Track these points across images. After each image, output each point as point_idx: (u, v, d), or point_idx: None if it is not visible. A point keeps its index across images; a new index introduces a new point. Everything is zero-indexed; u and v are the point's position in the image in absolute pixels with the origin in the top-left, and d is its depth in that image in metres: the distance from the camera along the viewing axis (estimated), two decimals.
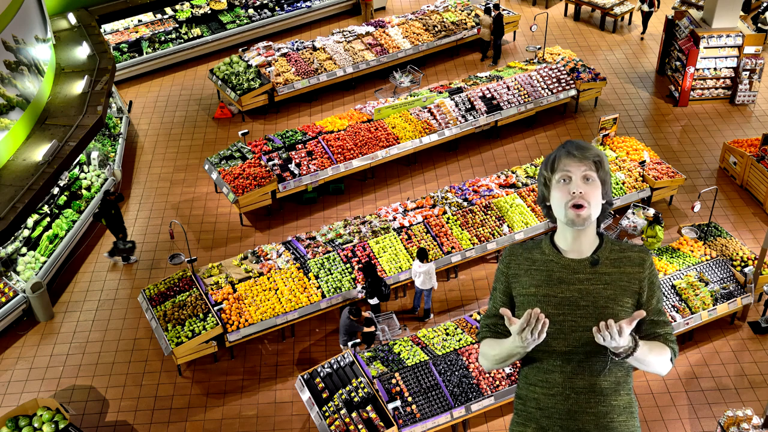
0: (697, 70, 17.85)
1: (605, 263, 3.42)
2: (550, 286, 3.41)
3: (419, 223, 13.75)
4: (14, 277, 12.95)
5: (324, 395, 10.83)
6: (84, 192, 14.96)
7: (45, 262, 13.45)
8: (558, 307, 3.37)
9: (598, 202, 3.37)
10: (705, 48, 17.56)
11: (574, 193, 3.32)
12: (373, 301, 12.47)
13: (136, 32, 19.89)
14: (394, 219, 13.93)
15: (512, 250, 3.60)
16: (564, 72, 17.60)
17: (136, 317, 13.16)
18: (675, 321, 11.89)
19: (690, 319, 12.01)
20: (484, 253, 13.76)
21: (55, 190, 14.37)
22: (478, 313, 12.29)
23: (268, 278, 12.72)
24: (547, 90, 17.25)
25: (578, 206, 3.32)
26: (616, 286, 3.38)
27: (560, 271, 3.43)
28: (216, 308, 12.13)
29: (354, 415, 10.38)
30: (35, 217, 13.75)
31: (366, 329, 11.87)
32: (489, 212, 13.97)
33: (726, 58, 17.76)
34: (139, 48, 19.66)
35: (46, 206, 14.09)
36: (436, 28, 19.73)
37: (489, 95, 16.93)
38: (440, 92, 17.22)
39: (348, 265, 12.97)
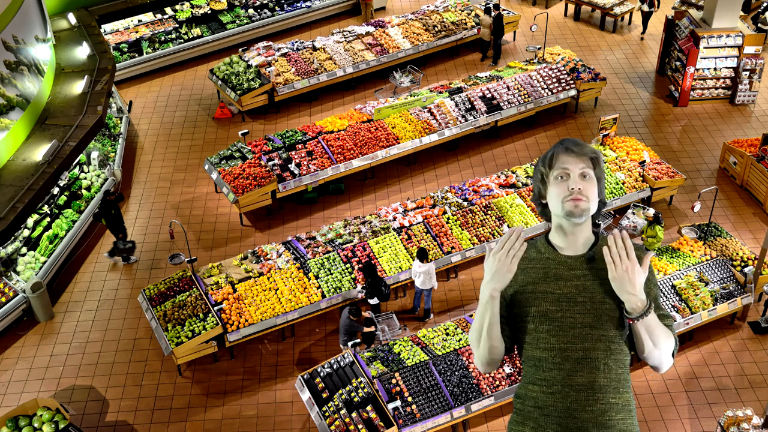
0: (697, 70, 17.86)
1: (601, 259, 3.43)
2: (546, 283, 3.42)
3: (419, 223, 13.75)
4: (14, 277, 12.95)
5: (324, 395, 10.83)
6: (84, 192, 14.96)
7: (45, 262, 13.45)
8: (555, 304, 3.38)
9: (595, 197, 3.40)
10: (705, 48, 17.56)
11: (572, 189, 3.34)
12: (373, 301, 12.47)
13: (136, 32, 19.89)
14: (394, 219, 13.93)
15: None
16: (564, 72, 17.60)
17: (136, 317, 13.16)
18: (675, 321, 11.90)
19: (690, 319, 12.01)
20: (484, 253, 13.73)
21: (55, 190, 14.37)
22: None
23: (268, 278, 12.72)
24: (547, 90, 17.25)
25: (577, 199, 3.35)
26: None
27: (557, 267, 3.44)
28: (216, 308, 12.13)
29: (354, 415, 10.38)
30: (35, 217, 13.75)
31: (366, 329, 11.87)
32: (489, 212, 13.97)
33: (726, 58, 17.77)
34: (139, 48, 19.66)
35: (46, 206, 14.09)
36: (436, 28, 19.73)
37: (489, 95, 16.93)
38: (440, 92, 17.22)
39: (348, 265, 12.97)
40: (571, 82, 17.47)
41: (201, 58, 20.43)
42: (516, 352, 3.66)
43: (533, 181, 3.58)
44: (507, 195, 14.35)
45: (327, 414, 10.53)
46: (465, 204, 14.21)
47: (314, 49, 18.96)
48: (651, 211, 13.87)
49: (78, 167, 15.26)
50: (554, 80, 17.42)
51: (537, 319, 3.40)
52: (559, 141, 3.47)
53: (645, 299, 3.20)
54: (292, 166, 15.04)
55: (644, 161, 15.25)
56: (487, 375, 11.03)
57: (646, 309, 3.21)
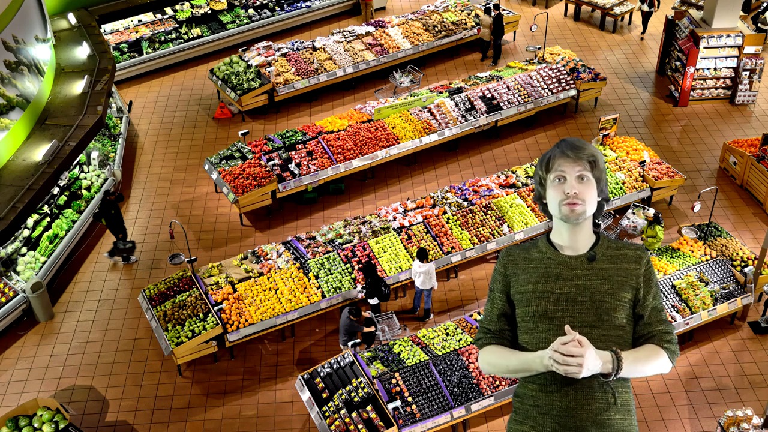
0: (697, 70, 17.86)
1: (602, 259, 3.45)
2: (547, 283, 3.43)
3: (419, 223, 13.75)
4: (14, 277, 12.95)
5: (324, 395, 10.83)
6: (84, 192, 14.96)
7: (45, 262, 13.45)
8: (556, 303, 3.39)
9: (593, 199, 3.41)
10: (705, 48, 17.56)
11: (568, 193, 3.36)
12: (373, 301, 12.47)
13: (136, 32, 19.89)
14: (394, 219, 13.93)
15: (509, 250, 3.62)
16: (564, 72, 17.60)
17: (136, 317, 13.16)
18: (675, 321, 11.89)
19: (690, 319, 12.01)
20: (484, 253, 13.76)
21: (55, 190, 14.37)
22: (478, 313, 12.30)
23: (268, 278, 12.72)
24: (547, 90, 17.25)
25: (573, 203, 3.36)
26: (613, 281, 3.40)
27: (557, 267, 3.45)
28: (216, 308, 12.13)
29: (354, 415, 10.38)
30: (35, 217, 13.75)
31: (366, 329, 11.87)
32: (489, 212, 13.97)
33: (726, 58, 17.77)
34: (139, 48, 19.66)
35: (46, 206, 14.09)
36: (436, 28, 19.73)
37: (489, 95, 16.93)
38: (440, 92, 17.22)
39: (348, 265, 12.97)
40: (571, 82, 17.47)
41: (201, 58, 20.43)
42: None
43: (534, 183, 3.59)
44: (507, 195, 14.35)
45: (327, 414, 10.53)
46: (465, 204, 14.21)
47: (314, 49, 18.96)
48: (651, 211, 13.87)
49: (78, 167, 15.26)
50: (554, 80, 17.42)
51: (537, 318, 3.41)
52: (558, 142, 3.48)
53: (609, 364, 3.22)
54: (292, 166, 15.05)
55: (644, 161, 15.24)
56: (487, 375, 11.04)
57: (615, 370, 3.24)
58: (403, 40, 19.31)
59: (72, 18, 17.80)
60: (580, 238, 3.48)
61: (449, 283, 13.74)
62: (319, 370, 11.18)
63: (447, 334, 11.77)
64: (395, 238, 13.46)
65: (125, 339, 12.80)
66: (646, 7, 20.83)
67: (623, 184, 14.72)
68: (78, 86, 15.28)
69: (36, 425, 10.54)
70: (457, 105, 16.62)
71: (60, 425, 10.45)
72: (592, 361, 3.13)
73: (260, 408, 11.64)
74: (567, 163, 3.38)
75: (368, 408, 10.43)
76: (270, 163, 15.04)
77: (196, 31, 20.25)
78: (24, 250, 13.34)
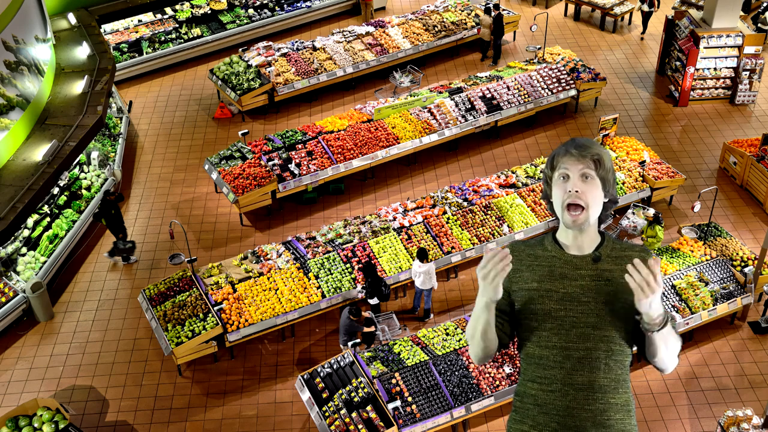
0: (697, 70, 17.86)
1: (607, 260, 3.44)
2: (552, 281, 3.42)
3: (419, 223, 13.75)
4: (14, 277, 12.95)
5: (324, 395, 10.83)
6: (84, 192, 14.96)
7: (45, 262, 13.45)
8: (560, 303, 3.38)
9: (597, 201, 3.38)
10: (705, 48, 17.56)
11: (570, 191, 3.34)
12: (373, 301, 12.47)
13: (136, 32, 19.89)
14: (394, 219, 13.93)
15: (514, 245, 3.60)
16: (564, 72, 17.60)
17: (136, 317, 13.16)
18: (675, 321, 11.89)
19: (690, 319, 12.01)
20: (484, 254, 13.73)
21: (55, 190, 14.37)
22: None
23: (268, 278, 12.72)
24: (547, 90, 17.25)
25: (575, 206, 3.34)
26: (617, 283, 3.39)
27: (562, 266, 3.44)
28: (216, 308, 12.13)
29: (354, 415, 10.38)
30: (35, 217, 13.75)
31: (366, 329, 11.87)
32: (489, 212, 13.97)
33: (726, 58, 17.77)
34: (139, 48, 19.66)
35: (46, 206, 14.09)
36: (436, 28, 19.73)
37: (489, 95, 16.93)
38: (440, 92, 17.22)
39: (348, 265, 12.97)
40: (571, 82, 17.47)
41: (201, 58, 20.43)
42: (517, 352, 3.67)
43: (542, 181, 3.60)
44: (507, 195, 14.35)
45: (327, 414, 10.53)
46: (465, 204, 14.21)
47: (314, 49, 18.96)
48: (651, 211, 13.87)
49: (78, 167, 15.26)
50: (554, 80, 17.41)
51: (540, 317, 3.40)
52: (567, 141, 3.46)
53: (663, 313, 3.20)
54: (292, 166, 15.05)
55: (644, 161, 15.25)
56: (487, 375, 11.03)
57: (664, 322, 3.21)
58: (403, 40, 19.31)
59: (72, 18, 17.80)
60: (586, 238, 3.47)
61: (449, 283, 13.74)
62: (319, 370, 11.18)
63: (447, 334, 11.77)
64: (395, 238, 13.46)
65: (125, 339, 12.80)
66: (646, 7, 20.83)
67: (623, 184, 14.72)
68: (78, 86, 15.28)
69: (36, 425, 10.54)
70: (457, 105, 16.62)
71: (60, 425, 10.45)
72: (659, 296, 3.12)
73: (260, 408, 11.64)
74: (570, 161, 3.36)
75: (368, 408, 10.43)
76: (270, 163, 15.04)
77: (196, 31, 20.25)
78: (24, 250, 13.35)
